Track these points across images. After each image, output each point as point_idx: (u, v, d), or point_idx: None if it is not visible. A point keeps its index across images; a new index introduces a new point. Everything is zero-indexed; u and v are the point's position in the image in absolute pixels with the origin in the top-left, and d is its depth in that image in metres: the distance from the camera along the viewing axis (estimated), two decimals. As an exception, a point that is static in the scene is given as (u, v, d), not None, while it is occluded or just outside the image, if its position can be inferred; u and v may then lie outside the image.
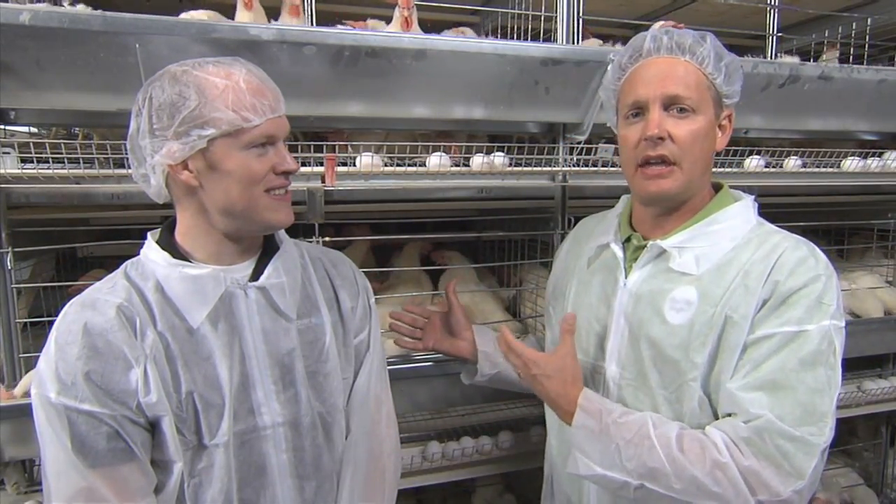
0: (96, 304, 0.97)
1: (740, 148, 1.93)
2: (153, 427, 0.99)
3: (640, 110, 1.10)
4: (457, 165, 1.67)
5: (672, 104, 1.07)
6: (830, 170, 1.99)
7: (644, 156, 1.09)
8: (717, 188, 1.19)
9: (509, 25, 1.85)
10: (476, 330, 1.46)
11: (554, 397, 1.10)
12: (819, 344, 1.00)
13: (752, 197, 1.17)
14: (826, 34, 2.22)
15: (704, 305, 1.07)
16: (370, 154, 1.57)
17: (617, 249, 1.20)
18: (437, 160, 1.60)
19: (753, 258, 1.07)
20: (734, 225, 1.12)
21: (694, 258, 1.10)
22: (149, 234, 1.05)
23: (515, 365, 1.15)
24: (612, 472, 1.03)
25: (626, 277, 1.17)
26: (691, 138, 1.07)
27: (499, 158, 1.64)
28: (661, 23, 1.76)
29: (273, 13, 1.66)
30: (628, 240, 1.20)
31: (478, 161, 1.63)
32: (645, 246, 1.16)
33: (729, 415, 1.03)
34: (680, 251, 1.11)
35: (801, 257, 1.05)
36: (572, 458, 1.09)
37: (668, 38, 1.10)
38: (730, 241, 1.10)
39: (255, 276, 1.05)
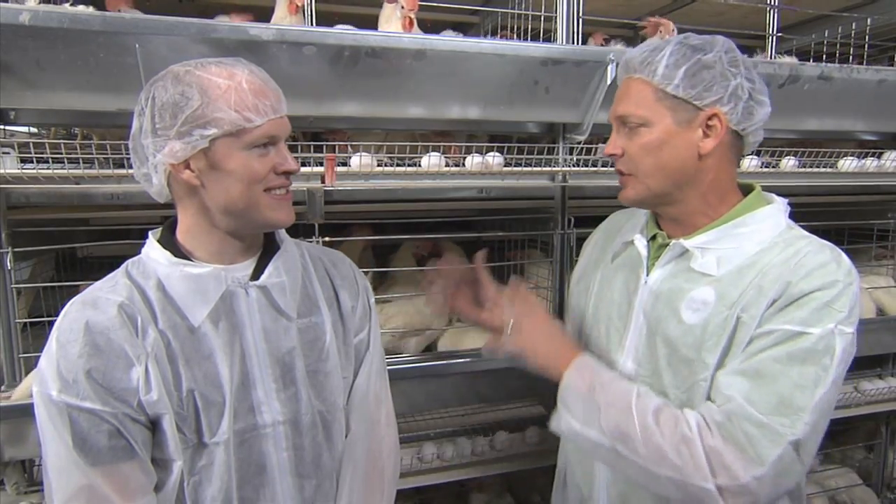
0: (98, 302, 0.97)
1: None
2: (154, 425, 0.99)
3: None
4: (456, 165, 1.67)
5: (624, 123, 1.13)
6: (827, 170, 1.99)
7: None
8: (747, 190, 1.17)
9: (509, 25, 1.85)
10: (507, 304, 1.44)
11: (548, 355, 1.14)
12: (815, 344, 0.98)
13: (785, 200, 1.16)
14: (826, 34, 2.22)
15: (720, 307, 1.07)
16: (364, 154, 1.57)
17: (641, 247, 1.20)
18: (432, 160, 1.60)
19: (774, 261, 1.06)
20: (762, 228, 1.10)
21: (716, 259, 1.10)
22: (150, 234, 1.05)
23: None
24: (590, 431, 1.06)
25: (647, 275, 1.18)
26: (642, 151, 1.10)
27: (494, 158, 1.64)
28: (650, 19, 1.77)
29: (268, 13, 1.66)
30: (654, 238, 1.21)
31: (474, 161, 1.63)
32: (664, 244, 1.17)
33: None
34: (702, 251, 1.11)
35: (822, 262, 1.03)
36: (557, 414, 1.12)
37: (628, 59, 1.14)
38: (756, 244, 1.09)
39: (256, 275, 1.06)
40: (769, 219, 1.12)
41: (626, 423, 1.02)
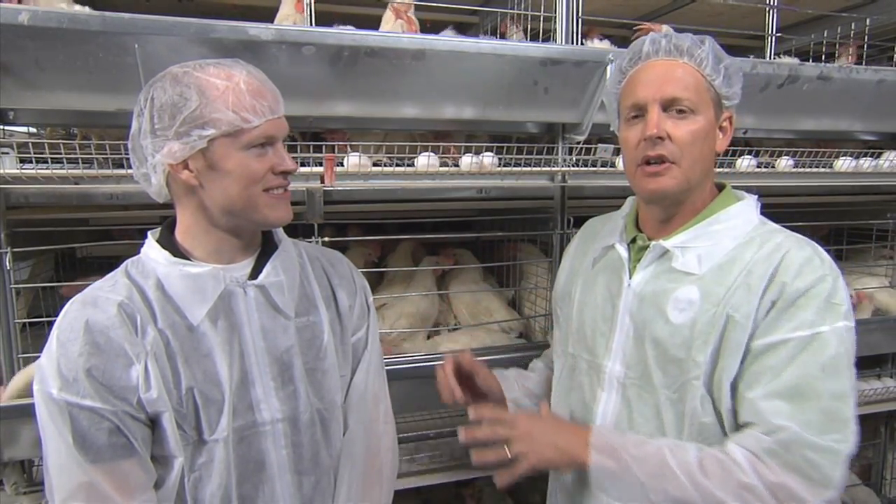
0: (98, 301, 0.98)
1: (740, 148, 1.93)
2: (153, 423, 0.99)
3: (640, 112, 1.11)
4: (456, 166, 1.67)
5: (671, 105, 1.08)
6: (822, 170, 1.99)
7: (644, 156, 1.09)
8: (719, 188, 1.19)
9: (508, 25, 1.85)
10: (499, 378, 1.39)
11: (563, 447, 1.08)
12: (837, 348, 0.99)
13: (755, 197, 1.17)
14: (825, 34, 2.22)
15: (706, 304, 1.07)
16: (357, 154, 1.57)
17: (622, 250, 1.20)
18: (424, 160, 1.60)
19: (756, 257, 1.07)
20: (736, 224, 1.12)
21: (696, 258, 1.11)
22: (149, 234, 1.06)
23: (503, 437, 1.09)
24: None
25: (630, 278, 1.17)
26: (691, 138, 1.08)
27: (488, 158, 1.64)
28: (643, 26, 1.77)
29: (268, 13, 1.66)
30: (633, 241, 1.21)
31: (466, 161, 1.63)
32: (645, 246, 1.17)
33: (746, 423, 1.02)
34: (682, 251, 1.12)
35: (806, 257, 1.04)
36: (594, 498, 1.09)
37: (667, 41, 1.11)
38: (732, 240, 1.11)
39: (254, 274, 1.06)
40: (741, 214, 1.13)
41: (675, 488, 0.99)
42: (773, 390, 0.99)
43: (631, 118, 1.13)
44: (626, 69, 1.16)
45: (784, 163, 1.93)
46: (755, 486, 0.96)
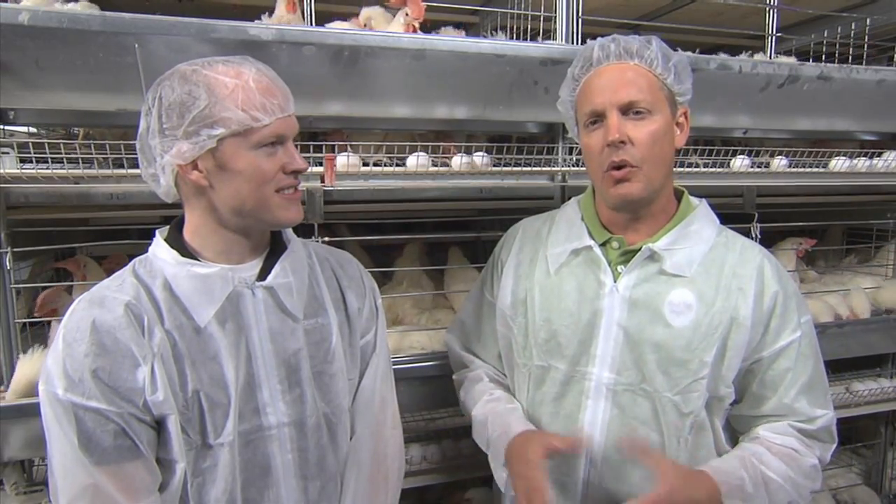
0: (105, 301, 0.97)
1: (739, 148, 1.92)
2: (159, 425, 0.99)
3: (598, 118, 1.12)
4: (445, 166, 1.67)
5: (628, 109, 1.09)
6: (818, 170, 1.99)
7: (609, 161, 1.10)
8: (676, 192, 1.22)
9: (509, 25, 1.85)
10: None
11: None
12: (813, 335, 1.19)
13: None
14: (826, 34, 2.22)
15: (704, 306, 1.12)
16: (350, 154, 1.56)
17: (600, 254, 1.18)
18: (415, 160, 1.60)
19: (734, 261, 1.14)
20: (706, 226, 1.18)
21: (685, 260, 1.14)
22: (157, 232, 1.05)
23: None
24: None
25: (614, 282, 1.16)
26: (651, 139, 1.09)
27: (478, 158, 1.64)
28: None
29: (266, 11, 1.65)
30: (605, 243, 1.20)
31: (456, 161, 1.63)
32: (629, 249, 1.17)
33: (775, 416, 1.17)
34: (670, 253, 1.14)
35: (775, 264, 1.18)
36: None
37: (616, 45, 1.13)
38: (705, 241, 1.16)
39: (263, 275, 1.05)
40: (706, 217, 1.20)
41: (785, 495, 1.11)
42: (800, 389, 1.15)
43: (590, 124, 1.14)
44: (579, 76, 1.17)
45: (779, 162, 1.93)
46: (816, 464, 1.16)
